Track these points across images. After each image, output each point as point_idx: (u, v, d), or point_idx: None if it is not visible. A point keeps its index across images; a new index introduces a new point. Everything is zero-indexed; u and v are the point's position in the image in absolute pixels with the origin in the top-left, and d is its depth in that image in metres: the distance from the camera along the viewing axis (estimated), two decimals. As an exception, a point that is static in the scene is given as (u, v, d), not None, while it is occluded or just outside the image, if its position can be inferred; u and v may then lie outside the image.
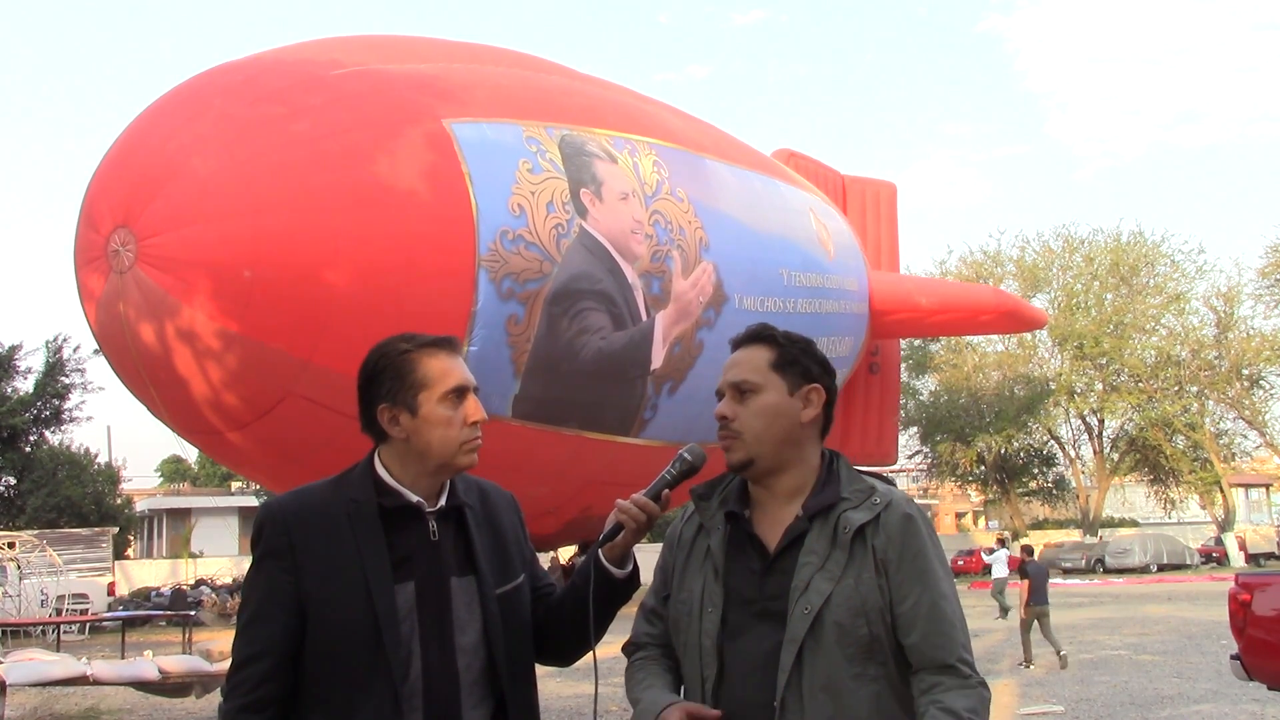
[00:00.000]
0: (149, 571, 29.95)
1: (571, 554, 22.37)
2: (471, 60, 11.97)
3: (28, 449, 29.08)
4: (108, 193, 9.37)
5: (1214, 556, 38.46)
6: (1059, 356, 41.14)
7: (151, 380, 9.78)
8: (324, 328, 9.46)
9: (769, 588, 1.97)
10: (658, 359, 12.37)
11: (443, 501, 2.09)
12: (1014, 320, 20.91)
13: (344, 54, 10.73)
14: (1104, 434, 42.51)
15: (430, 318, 9.34)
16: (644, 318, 12.12)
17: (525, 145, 11.18)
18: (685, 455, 2.11)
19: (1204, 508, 43.90)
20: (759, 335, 2.11)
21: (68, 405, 28.97)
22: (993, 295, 22.35)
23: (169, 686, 8.76)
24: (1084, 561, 36.80)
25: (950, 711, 1.88)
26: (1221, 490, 40.94)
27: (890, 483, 2.07)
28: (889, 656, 1.93)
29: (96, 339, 10.24)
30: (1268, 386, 40.15)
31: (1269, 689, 7.39)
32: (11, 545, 22.70)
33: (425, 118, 10.41)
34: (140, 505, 38.52)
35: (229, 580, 27.00)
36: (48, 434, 29.61)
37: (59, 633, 18.18)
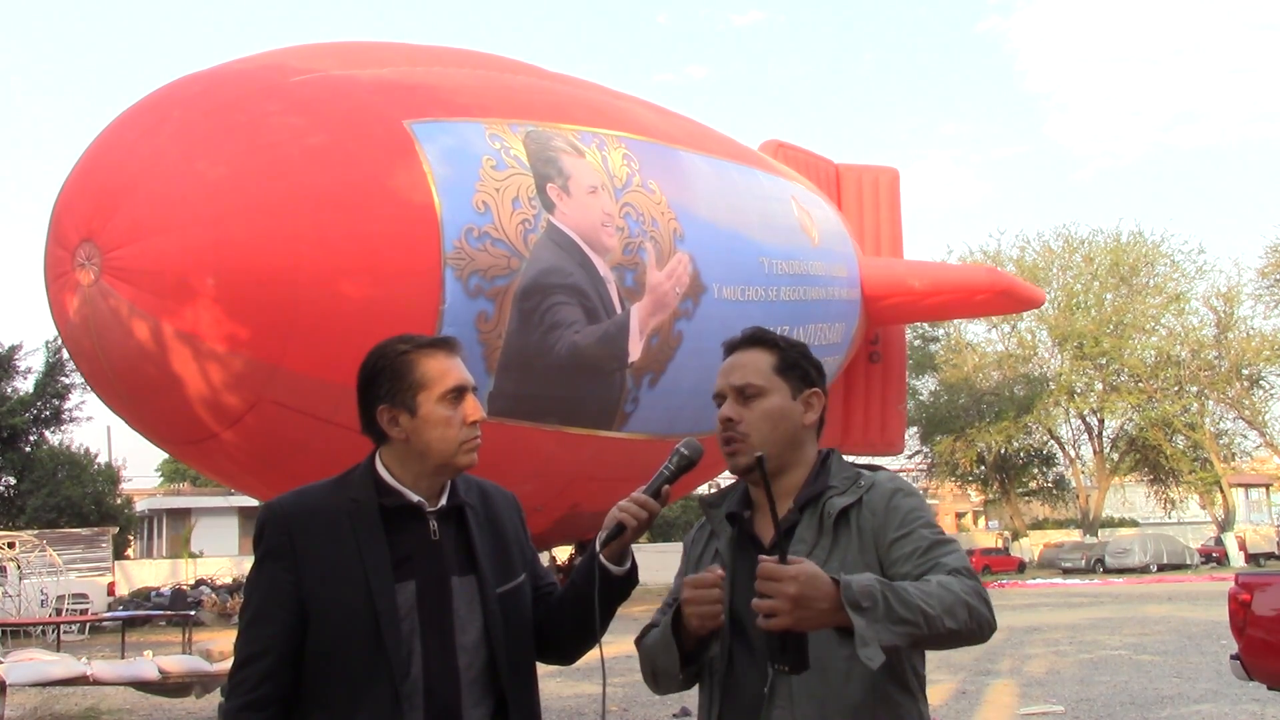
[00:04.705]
0: (149, 571, 29.92)
1: (570, 554, 22.36)
2: (434, 63, 11.95)
3: (28, 449, 29.06)
4: (72, 208, 9.44)
5: (1214, 556, 38.44)
6: (1059, 356, 41.18)
7: (124, 391, 9.83)
8: (291, 333, 9.49)
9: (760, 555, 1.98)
10: (635, 351, 12.35)
11: (443, 501, 2.10)
12: (1010, 299, 20.62)
13: (302, 61, 10.73)
14: (1104, 434, 42.55)
15: (398, 318, 9.36)
16: (618, 310, 12.09)
17: (489, 142, 11.17)
18: (682, 450, 2.10)
19: (1204, 508, 43.91)
20: (758, 339, 2.12)
21: (68, 405, 28.98)
22: (987, 275, 21.97)
23: (169, 686, 8.76)
24: (1084, 561, 36.79)
25: (953, 574, 1.85)
26: (1221, 490, 40.95)
27: (880, 470, 2.09)
28: None
29: (69, 353, 10.28)
30: (1268, 386, 40.23)
31: (1269, 689, 7.39)
32: (11, 545, 22.70)
33: (385, 119, 10.41)
34: (140, 505, 38.49)
35: (229, 580, 26.97)
36: (48, 434, 29.60)
37: (59, 633, 18.17)
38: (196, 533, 35.68)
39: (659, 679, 2.09)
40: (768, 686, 1.90)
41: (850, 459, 2.15)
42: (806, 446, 2.10)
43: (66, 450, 30.32)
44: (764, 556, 1.77)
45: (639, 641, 2.14)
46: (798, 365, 2.09)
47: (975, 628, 1.81)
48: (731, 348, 2.13)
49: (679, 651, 1.99)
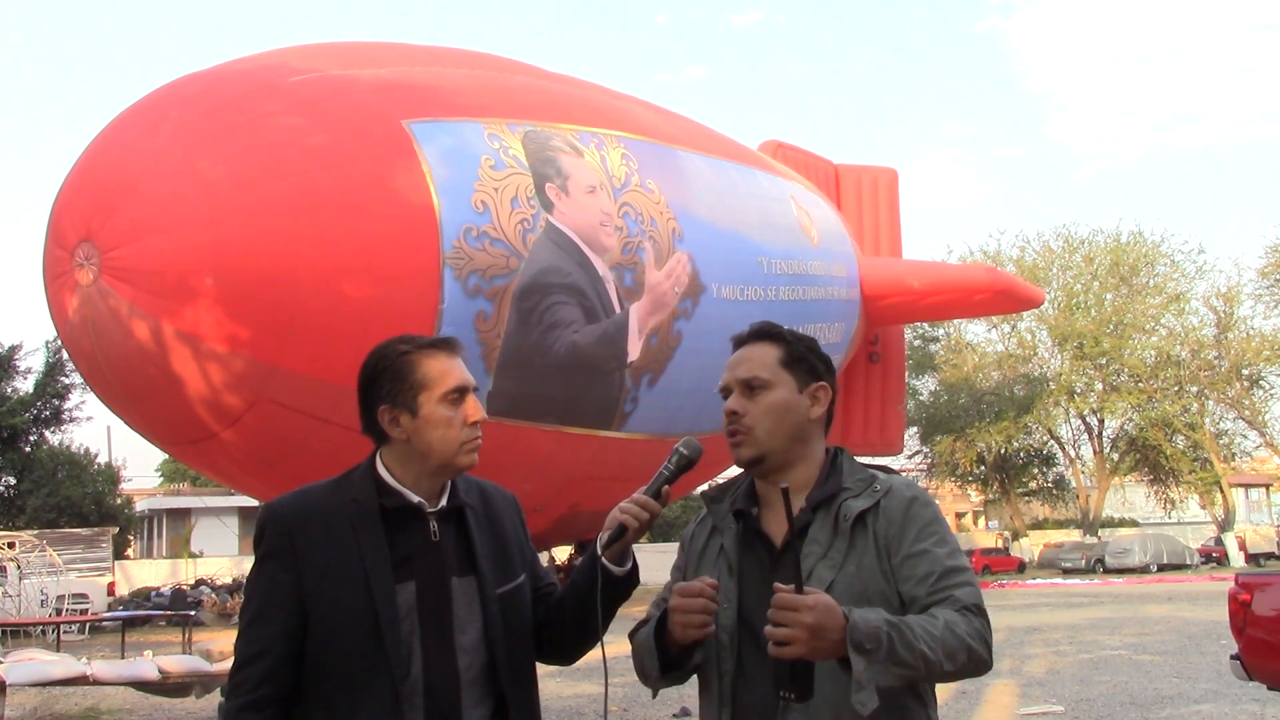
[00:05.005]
0: (149, 571, 29.88)
1: (570, 554, 22.35)
2: (432, 63, 11.96)
3: (28, 449, 29.05)
4: (71, 208, 9.45)
5: (1214, 556, 38.42)
6: (1059, 356, 41.18)
7: (124, 391, 9.83)
8: (289, 332, 9.50)
9: (776, 581, 1.97)
10: (634, 351, 12.35)
11: (444, 502, 2.09)
12: (1009, 299, 20.64)
13: (302, 61, 10.75)
14: (1104, 434, 42.53)
15: (397, 317, 9.37)
16: (617, 310, 12.09)
17: (487, 142, 11.19)
18: (681, 449, 2.10)
19: (1204, 508, 43.90)
20: (765, 333, 2.11)
21: (68, 405, 28.96)
22: (986, 274, 21.93)
23: (169, 686, 8.75)
24: (1084, 561, 36.76)
25: (962, 612, 1.85)
26: (1221, 490, 40.94)
27: (893, 473, 2.08)
28: None
29: (68, 353, 10.28)
30: (1268, 386, 40.23)
31: (1269, 689, 7.39)
32: (11, 545, 22.70)
33: (384, 119, 10.43)
34: (140, 505, 38.47)
35: (229, 580, 26.95)
36: (48, 434, 29.59)
37: (59, 633, 18.15)
38: (196, 533, 35.67)
39: (643, 678, 2.09)
40: (783, 691, 1.88)
41: (859, 460, 2.14)
42: (813, 441, 2.08)
43: (66, 450, 30.32)
44: (779, 585, 1.78)
45: (632, 635, 2.14)
46: (805, 359, 2.08)
47: (971, 670, 1.85)
48: (739, 342, 2.13)
49: (658, 658, 2.00)
